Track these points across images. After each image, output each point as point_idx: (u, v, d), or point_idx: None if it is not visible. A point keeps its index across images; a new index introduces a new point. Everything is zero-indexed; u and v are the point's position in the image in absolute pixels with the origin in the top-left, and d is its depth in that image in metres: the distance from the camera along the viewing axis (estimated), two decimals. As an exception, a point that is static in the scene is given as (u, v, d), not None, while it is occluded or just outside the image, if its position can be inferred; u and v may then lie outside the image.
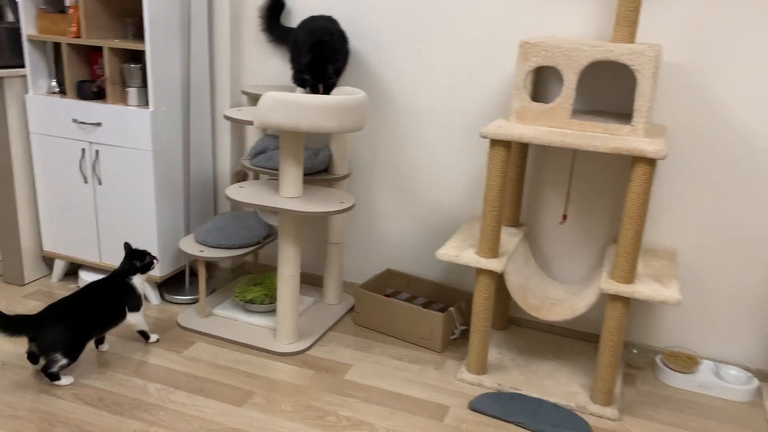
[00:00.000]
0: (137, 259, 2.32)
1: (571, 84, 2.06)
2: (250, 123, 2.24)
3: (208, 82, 2.79)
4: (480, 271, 2.20)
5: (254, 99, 2.70)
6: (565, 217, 2.47)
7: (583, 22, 2.35)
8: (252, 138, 2.78)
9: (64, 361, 2.14)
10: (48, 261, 2.97)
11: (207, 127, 2.83)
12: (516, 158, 2.45)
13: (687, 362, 2.42)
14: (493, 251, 2.18)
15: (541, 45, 2.06)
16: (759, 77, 2.19)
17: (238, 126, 2.93)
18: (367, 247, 2.91)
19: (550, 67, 2.31)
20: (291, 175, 2.28)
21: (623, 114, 2.31)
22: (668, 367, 2.40)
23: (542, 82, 2.42)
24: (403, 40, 2.60)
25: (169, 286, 2.87)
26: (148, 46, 2.45)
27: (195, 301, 2.81)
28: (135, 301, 2.34)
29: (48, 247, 2.88)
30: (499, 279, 2.25)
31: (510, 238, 2.40)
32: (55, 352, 2.12)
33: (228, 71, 2.79)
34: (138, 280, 2.33)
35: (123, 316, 2.32)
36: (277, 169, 2.58)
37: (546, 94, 2.43)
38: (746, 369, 2.43)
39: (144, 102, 2.58)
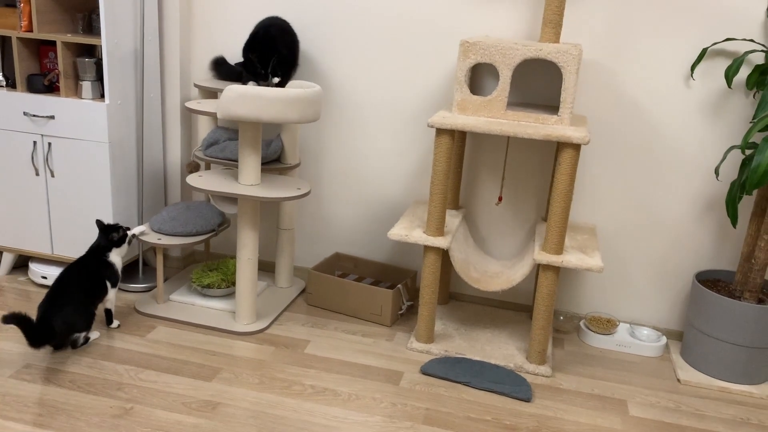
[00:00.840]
0: (112, 232, 2.45)
1: (506, 79, 2.31)
2: (212, 114, 2.37)
3: (159, 74, 2.88)
4: (428, 249, 2.43)
5: (206, 92, 2.81)
6: (500, 198, 2.74)
7: (514, 23, 2.61)
8: (202, 130, 2.89)
9: (84, 334, 2.39)
10: (-5, 254, 2.98)
11: (158, 119, 2.92)
12: (456, 146, 2.69)
13: (606, 325, 2.74)
14: (439, 230, 2.41)
15: (479, 44, 2.31)
16: (664, 73, 2.52)
17: (188, 118, 3.03)
18: (316, 232, 3.08)
19: (486, 63, 2.56)
20: (250, 164, 2.43)
21: (550, 106, 2.60)
22: (590, 330, 2.72)
23: (478, 77, 2.68)
24: (349, 37, 2.78)
25: (123, 275, 2.94)
26: (104, 41, 2.52)
27: (149, 289, 2.89)
28: (115, 277, 2.49)
29: (-5, 240, 2.88)
30: (443, 256, 2.49)
31: (451, 219, 2.64)
32: (75, 332, 2.34)
33: (178, 64, 2.89)
34: (115, 256, 2.47)
35: (105, 292, 2.46)
36: (230, 159, 2.72)
37: (482, 88, 2.68)
38: (656, 329, 2.79)
39: (98, 95, 2.64)
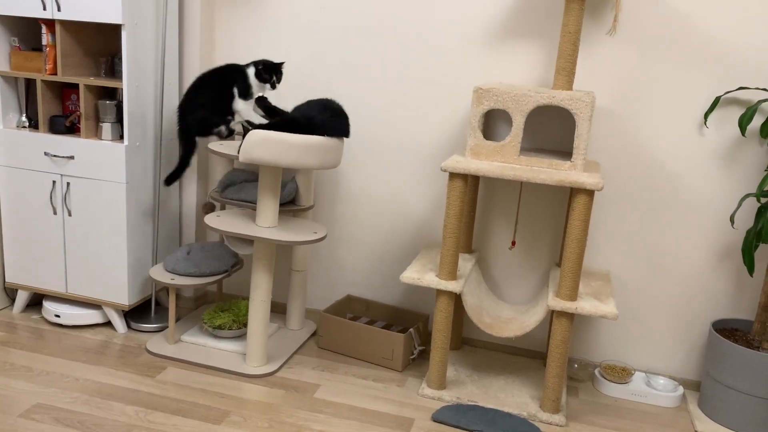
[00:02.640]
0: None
1: (519, 125, 2.34)
2: (233, 156, 2.40)
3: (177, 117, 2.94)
4: (440, 293, 2.42)
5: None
6: (513, 243, 2.73)
7: (527, 69, 2.65)
8: (219, 171, 2.93)
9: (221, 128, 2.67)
10: (10, 292, 2.99)
11: (175, 161, 2.96)
12: (469, 190, 2.71)
13: (622, 374, 2.69)
14: (452, 274, 2.41)
15: (493, 90, 2.34)
16: (677, 121, 2.53)
17: (204, 160, 3.07)
18: (328, 274, 3.08)
19: (499, 109, 2.59)
20: (268, 206, 2.45)
21: (563, 151, 2.61)
22: (605, 379, 2.67)
23: (491, 122, 2.70)
24: (364, 81, 2.83)
25: (135, 315, 2.95)
26: (126, 84, 2.58)
27: (161, 329, 2.89)
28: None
29: (11, 278, 2.90)
30: (456, 300, 2.47)
31: (464, 263, 2.63)
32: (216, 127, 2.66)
33: (196, 108, 2.95)
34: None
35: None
36: (246, 201, 2.74)
37: (494, 133, 2.70)
38: (673, 378, 2.73)
39: (118, 136, 2.70)
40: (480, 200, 2.81)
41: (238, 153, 2.32)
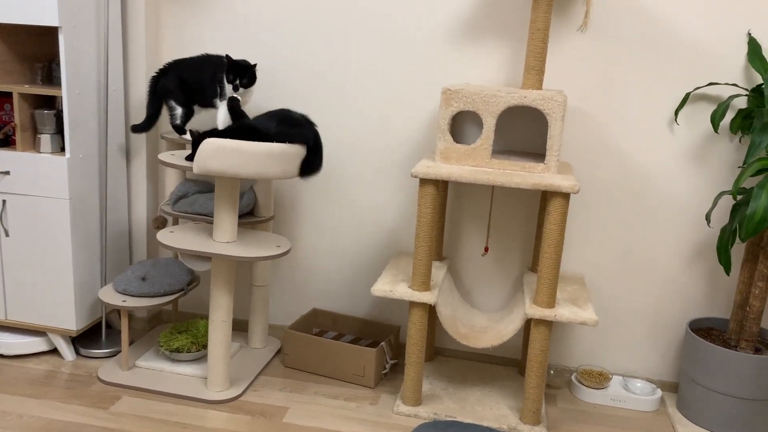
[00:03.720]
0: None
1: (490, 127, 2.24)
2: (186, 168, 2.23)
3: (124, 125, 2.74)
4: (413, 305, 2.30)
5: (174, 144, 2.67)
6: (486, 249, 2.63)
7: (494, 70, 2.55)
8: (170, 183, 2.74)
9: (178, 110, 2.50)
10: (-58, 321, 2.74)
11: (123, 172, 2.77)
12: (438, 195, 2.59)
13: (599, 378, 2.62)
14: (425, 284, 2.29)
15: (462, 92, 2.23)
16: (647, 118, 2.48)
17: (154, 171, 2.88)
18: (291, 287, 2.93)
19: (468, 110, 2.49)
20: (226, 220, 2.28)
21: (534, 153, 2.53)
22: (583, 385, 2.60)
23: (460, 124, 2.60)
24: (325, 84, 2.69)
25: (84, 340, 2.73)
26: (65, 91, 2.38)
27: (113, 354, 2.69)
28: None
29: (-57, 306, 2.66)
30: (430, 311, 2.36)
31: (436, 271, 2.52)
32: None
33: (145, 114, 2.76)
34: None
35: None
36: (200, 214, 2.57)
37: (465, 136, 2.60)
38: (650, 381, 2.68)
39: (58, 148, 2.49)
40: (449, 205, 2.70)
41: (190, 162, 2.16)
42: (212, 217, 2.54)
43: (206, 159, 2.08)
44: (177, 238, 2.33)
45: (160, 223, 2.74)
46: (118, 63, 2.65)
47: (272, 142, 2.13)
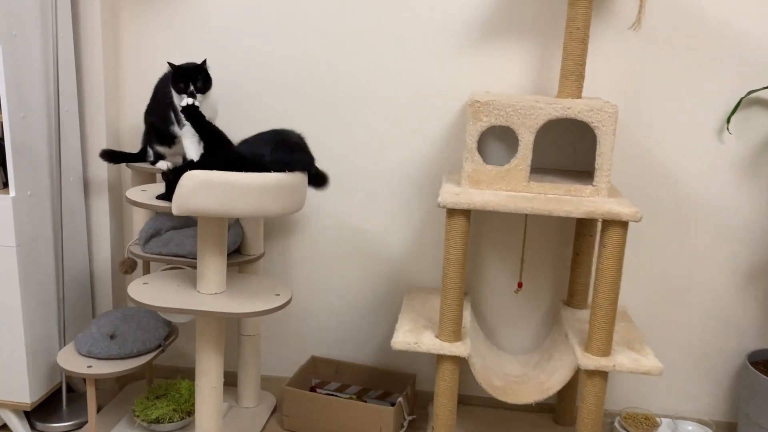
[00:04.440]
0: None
1: (528, 144, 1.89)
2: (162, 208, 1.81)
3: (81, 153, 2.31)
4: (443, 358, 1.93)
5: (142, 174, 2.25)
6: (520, 284, 2.28)
7: (515, 76, 2.21)
8: (139, 219, 2.31)
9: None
10: None
11: (80, 209, 2.33)
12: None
13: (645, 423, 2.30)
14: (456, 333, 1.93)
15: (493, 103, 1.88)
16: (688, 125, 2.17)
17: (119, 205, 2.45)
18: (285, 333, 2.53)
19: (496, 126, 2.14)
20: (212, 268, 1.87)
21: (569, 171, 2.19)
22: (627, 431, 2.27)
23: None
24: (319, 99, 2.31)
25: (40, 412, 2.28)
26: (6, 116, 1.94)
27: (78, 427, 2.25)
28: None
29: None
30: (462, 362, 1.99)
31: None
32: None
33: (104, 137, 2.33)
34: None
35: None
36: (177, 255, 2.16)
37: (485, 154, 2.24)
38: (702, 423, 2.37)
39: (0, 184, 2.04)
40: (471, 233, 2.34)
41: (165, 202, 1.75)
42: (192, 258, 2.13)
43: (189, 197, 1.68)
44: (152, 291, 1.91)
45: (128, 267, 2.30)
46: (70, 77, 2.22)
47: (265, 171, 1.73)
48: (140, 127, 2.24)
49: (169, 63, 1.93)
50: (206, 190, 1.67)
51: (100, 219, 2.39)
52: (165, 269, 2.22)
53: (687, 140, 2.18)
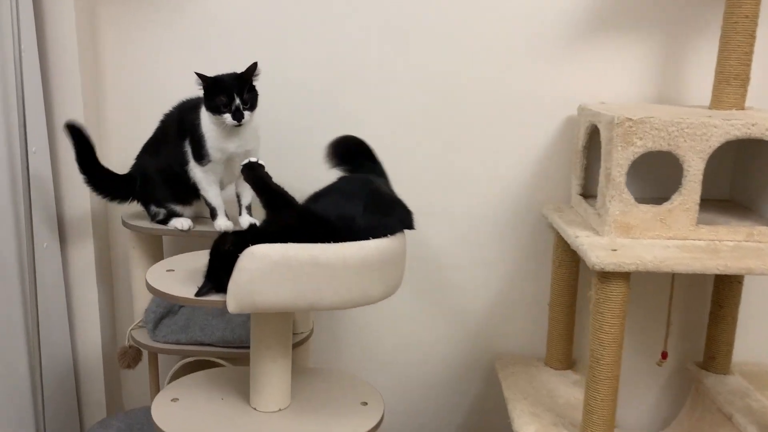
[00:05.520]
0: None
1: (697, 174, 1.39)
2: (217, 303, 1.22)
3: (55, 209, 1.70)
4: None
5: (146, 238, 1.65)
6: (665, 355, 1.77)
7: (625, 82, 1.72)
8: (139, 289, 1.71)
9: None
10: None
11: (59, 281, 1.72)
12: (565, 273, 1.73)
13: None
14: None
15: (651, 122, 1.37)
16: None
17: (107, 272, 1.84)
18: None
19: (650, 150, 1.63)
20: (274, 375, 1.30)
21: (718, 202, 1.69)
22: None
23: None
24: (367, 115, 1.77)
25: None
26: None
27: None
28: None
29: None
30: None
31: (569, 388, 1.66)
32: None
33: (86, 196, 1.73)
34: None
35: None
36: (204, 344, 1.58)
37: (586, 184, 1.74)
38: None
39: (-53, 268, 1.42)
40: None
41: (211, 297, 1.17)
42: (225, 346, 1.56)
43: (256, 286, 1.10)
44: (184, 409, 1.32)
45: (130, 359, 1.70)
46: (38, 108, 1.61)
47: (358, 239, 1.17)
48: (127, 168, 1.66)
49: (198, 74, 1.36)
50: (283, 274, 1.10)
51: (85, 295, 1.78)
52: (185, 362, 1.63)
53: None
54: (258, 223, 1.25)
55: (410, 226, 1.28)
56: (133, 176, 1.59)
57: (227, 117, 1.37)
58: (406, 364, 1.92)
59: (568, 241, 1.48)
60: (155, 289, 1.20)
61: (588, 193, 1.69)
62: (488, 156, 1.78)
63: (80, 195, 1.73)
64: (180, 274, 1.26)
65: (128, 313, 1.87)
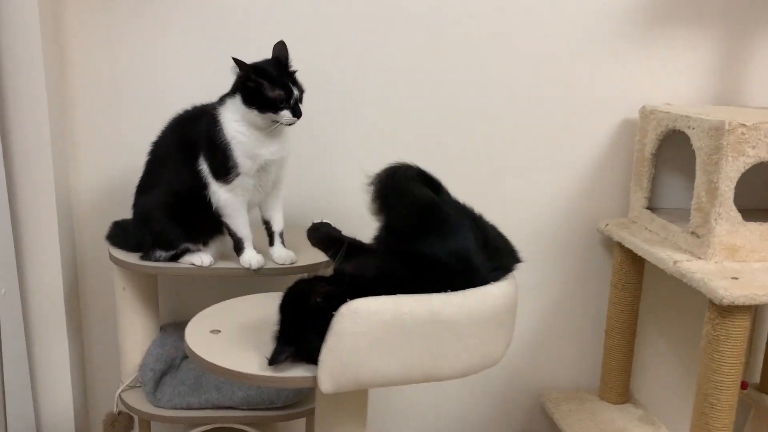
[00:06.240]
0: None
1: (812, 188, 1.23)
2: (260, 378, 0.91)
3: (13, 242, 1.33)
4: None
5: (138, 275, 1.31)
6: (745, 384, 1.60)
7: (684, 82, 1.55)
8: (132, 343, 1.35)
9: None
10: None
11: (19, 333, 1.35)
12: (628, 296, 1.53)
13: None
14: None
15: (765, 128, 1.19)
16: None
17: (77, 320, 1.48)
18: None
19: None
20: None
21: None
22: None
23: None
24: (401, 120, 1.51)
25: None
26: None
27: None
28: None
29: None
30: None
31: (627, 424, 1.48)
32: None
33: (54, 216, 1.36)
34: None
35: None
36: (224, 407, 1.27)
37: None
38: None
39: None
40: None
41: (289, 374, 0.87)
42: (246, 408, 1.26)
43: (362, 357, 0.82)
44: None
45: (121, 430, 1.35)
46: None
47: (475, 284, 0.91)
48: (104, 188, 1.32)
49: (237, 61, 1.06)
50: (395, 338, 0.82)
51: (53, 347, 1.41)
52: (200, 432, 1.31)
53: None
54: (343, 268, 0.95)
55: (519, 260, 1.03)
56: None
57: (285, 114, 1.09)
58: (440, 399, 1.67)
59: (661, 266, 1.28)
60: (212, 364, 0.88)
61: (652, 205, 1.50)
62: (535, 164, 1.56)
63: (48, 233, 1.36)
64: (229, 336, 0.95)
65: (110, 369, 1.50)
